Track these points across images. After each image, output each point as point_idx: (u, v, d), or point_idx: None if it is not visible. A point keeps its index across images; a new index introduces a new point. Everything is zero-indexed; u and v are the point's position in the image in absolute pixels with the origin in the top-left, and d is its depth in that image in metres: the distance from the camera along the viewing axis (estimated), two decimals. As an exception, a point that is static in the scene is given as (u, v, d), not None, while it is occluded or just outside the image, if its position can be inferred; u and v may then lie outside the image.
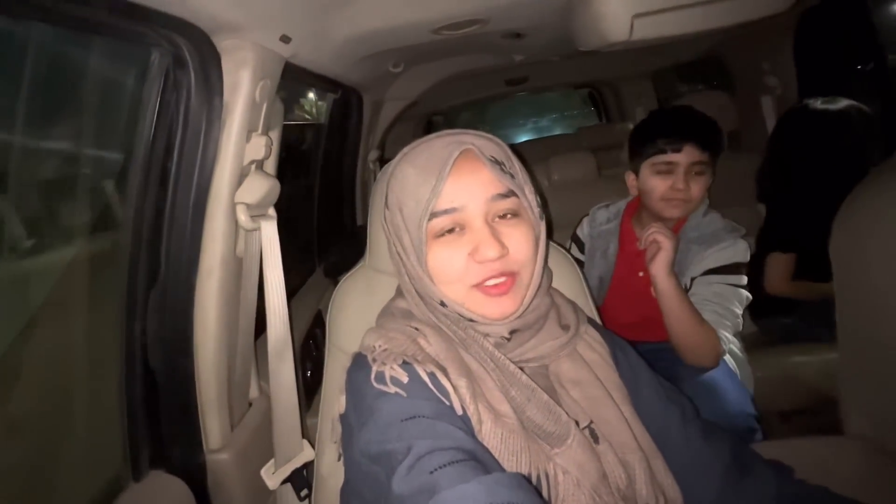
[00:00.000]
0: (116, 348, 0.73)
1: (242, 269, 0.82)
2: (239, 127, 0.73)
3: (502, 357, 0.54)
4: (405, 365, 0.51)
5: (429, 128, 3.16)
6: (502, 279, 0.53)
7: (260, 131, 0.79)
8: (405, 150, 0.59)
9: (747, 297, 1.05)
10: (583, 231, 1.29)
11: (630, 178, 1.16)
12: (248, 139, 0.76)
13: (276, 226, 0.82)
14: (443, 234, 0.53)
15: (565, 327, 0.60)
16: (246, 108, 0.73)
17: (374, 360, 0.52)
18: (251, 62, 0.71)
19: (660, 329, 1.02)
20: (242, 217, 0.75)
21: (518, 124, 5.02)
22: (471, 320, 0.54)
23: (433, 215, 0.52)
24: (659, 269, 0.95)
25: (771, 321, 1.50)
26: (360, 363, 0.54)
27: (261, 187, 0.78)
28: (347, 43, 0.99)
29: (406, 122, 2.42)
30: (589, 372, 0.58)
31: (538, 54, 1.61)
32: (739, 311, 1.03)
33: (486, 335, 0.55)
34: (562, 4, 0.99)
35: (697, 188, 1.04)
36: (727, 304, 1.02)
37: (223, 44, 0.68)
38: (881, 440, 0.78)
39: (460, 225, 0.53)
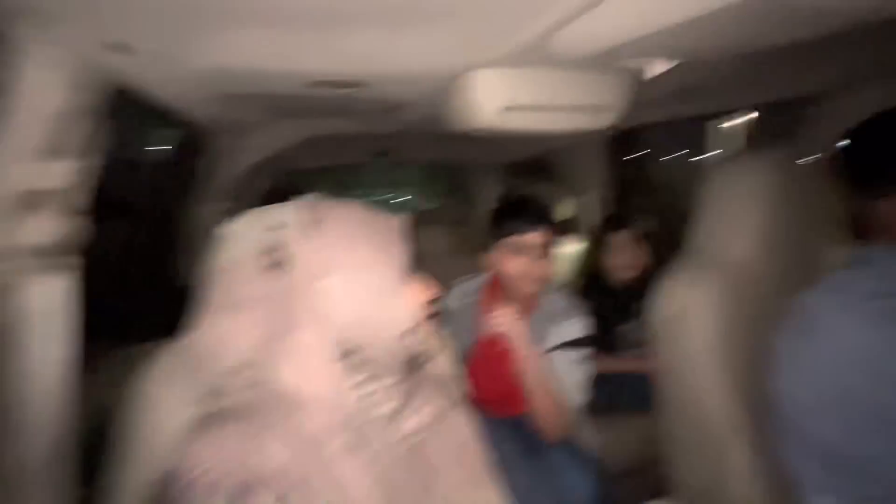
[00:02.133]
0: None
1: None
2: (25, 144, 0.53)
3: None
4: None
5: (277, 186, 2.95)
6: None
7: (62, 154, 0.59)
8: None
9: (593, 368, 1.15)
10: (451, 304, 1.29)
11: (488, 257, 1.22)
12: (40, 159, 0.55)
13: (75, 279, 0.60)
14: None
15: (440, 396, 0.59)
16: (42, 122, 0.54)
17: (193, 494, 0.36)
18: (61, 65, 0.54)
19: (519, 403, 1.06)
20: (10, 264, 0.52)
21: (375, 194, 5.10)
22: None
23: None
24: (521, 348, 0.99)
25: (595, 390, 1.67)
26: (169, 494, 0.37)
27: (52, 227, 0.57)
28: (202, 75, 0.86)
29: (261, 175, 2.23)
30: (460, 448, 0.58)
31: (408, 128, 1.66)
32: (585, 383, 1.13)
33: (389, 399, 0.49)
34: (441, 83, 1.03)
35: (545, 268, 1.15)
36: (577, 377, 1.12)
37: (23, 33, 0.50)
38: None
39: None
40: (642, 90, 1.01)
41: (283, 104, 1.20)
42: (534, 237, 1.13)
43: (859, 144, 0.73)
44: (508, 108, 0.96)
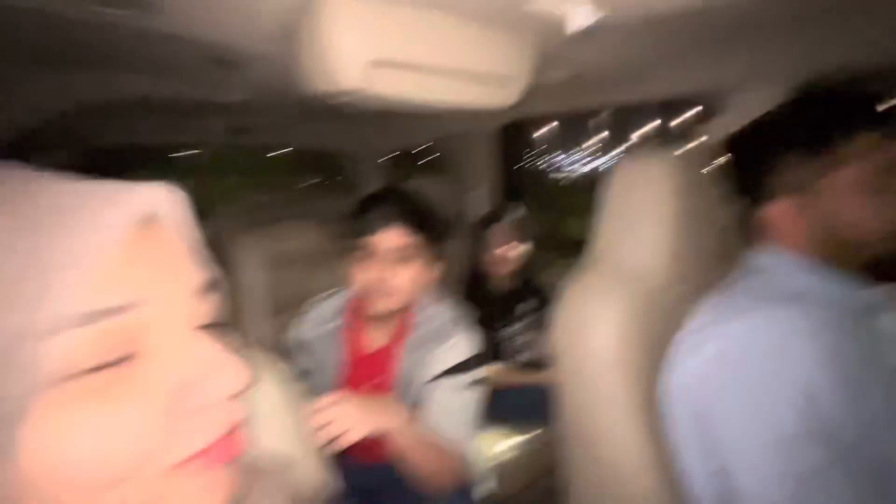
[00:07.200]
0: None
1: None
2: None
3: None
4: None
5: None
6: None
7: None
8: None
9: (484, 392, 0.95)
10: (304, 334, 1.01)
11: (348, 267, 0.97)
12: None
13: None
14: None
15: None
16: None
17: None
18: None
19: None
20: None
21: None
22: None
23: None
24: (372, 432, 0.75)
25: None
26: None
27: None
28: None
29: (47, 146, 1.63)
30: None
31: (260, 96, 1.30)
32: (475, 414, 0.92)
33: None
34: (285, 20, 0.73)
35: (404, 277, 0.90)
36: (465, 411, 0.90)
37: None
38: None
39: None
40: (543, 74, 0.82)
41: (49, 40, 0.77)
42: (387, 238, 0.89)
43: (741, 149, 0.72)
44: (377, 64, 0.69)
